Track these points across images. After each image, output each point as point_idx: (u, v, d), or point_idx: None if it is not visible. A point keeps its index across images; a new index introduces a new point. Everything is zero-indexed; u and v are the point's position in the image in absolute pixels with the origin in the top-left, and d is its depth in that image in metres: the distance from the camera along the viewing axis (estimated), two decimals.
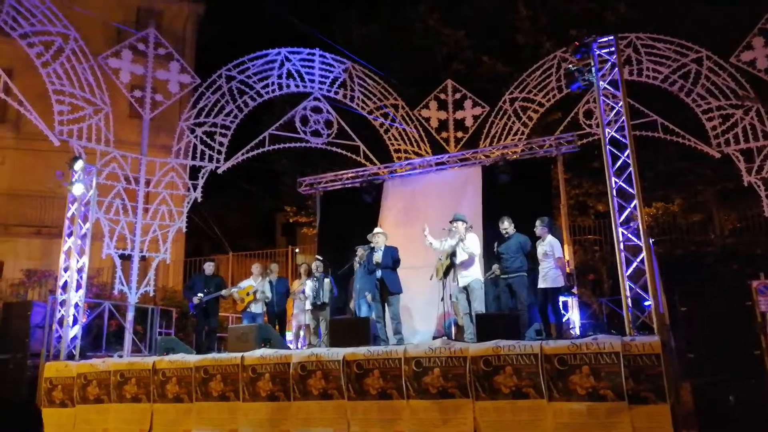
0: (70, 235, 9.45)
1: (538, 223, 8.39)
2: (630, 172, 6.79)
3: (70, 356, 8.82)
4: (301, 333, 10.11)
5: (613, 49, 7.32)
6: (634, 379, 5.50)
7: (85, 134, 10.30)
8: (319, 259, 9.93)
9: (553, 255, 8.14)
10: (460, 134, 12.12)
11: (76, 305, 9.13)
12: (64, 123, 10.12)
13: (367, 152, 12.22)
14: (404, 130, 12.42)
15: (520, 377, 5.97)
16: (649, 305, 6.23)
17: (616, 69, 7.24)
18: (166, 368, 7.59)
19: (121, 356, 9.10)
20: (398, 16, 17.52)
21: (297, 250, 16.63)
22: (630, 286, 6.46)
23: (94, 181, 9.79)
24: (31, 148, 17.16)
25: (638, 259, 6.48)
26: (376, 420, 6.48)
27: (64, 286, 9.21)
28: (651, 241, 6.94)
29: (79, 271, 9.28)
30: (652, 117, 10.57)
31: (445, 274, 8.19)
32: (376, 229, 9.11)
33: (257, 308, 9.72)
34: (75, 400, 8.12)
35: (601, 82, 7.27)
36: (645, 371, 5.49)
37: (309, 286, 9.60)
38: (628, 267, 6.54)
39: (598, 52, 7.36)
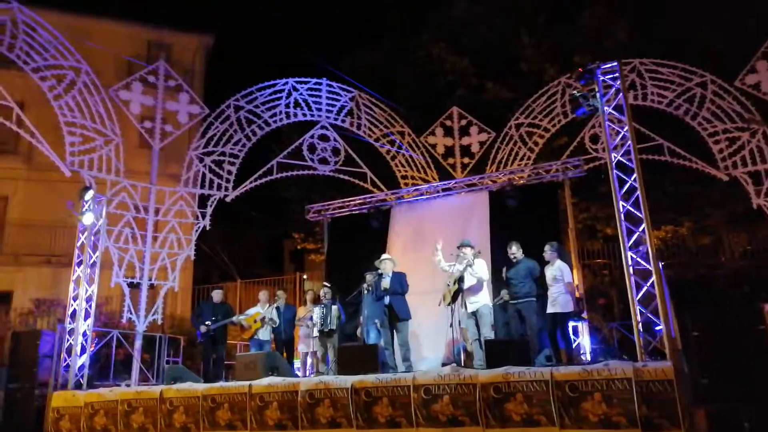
0: (79, 264, 9.51)
1: (547, 247, 8.37)
2: (638, 195, 6.79)
3: (78, 385, 8.80)
4: (308, 360, 10.04)
5: (617, 74, 7.39)
6: (647, 405, 5.41)
7: (96, 165, 10.44)
8: (327, 286, 9.91)
9: (563, 280, 8.09)
10: (466, 160, 12.17)
11: (85, 334, 9.15)
12: (75, 154, 10.26)
13: (374, 179, 12.28)
14: (411, 156, 12.50)
15: (531, 404, 5.90)
16: (661, 330, 6.16)
17: (621, 94, 7.30)
18: (174, 397, 7.56)
19: (128, 385, 9.05)
20: (403, 45, 17.78)
21: (305, 277, 16.63)
22: (641, 311, 6.41)
23: (104, 210, 9.89)
24: (42, 179, 17.35)
25: (648, 283, 6.44)
26: None
27: (73, 315, 9.23)
28: (660, 265, 6.89)
29: (88, 299, 9.31)
30: (658, 141, 10.58)
31: (453, 299, 8.15)
32: (384, 255, 9.11)
33: (265, 335, 9.69)
34: (82, 429, 8.07)
35: (606, 108, 7.32)
36: (658, 397, 5.41)
37: (316, 312, 9.56)
38: (638, 291, 6.49)
39: (602, 78, 7.43)
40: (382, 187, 12.22)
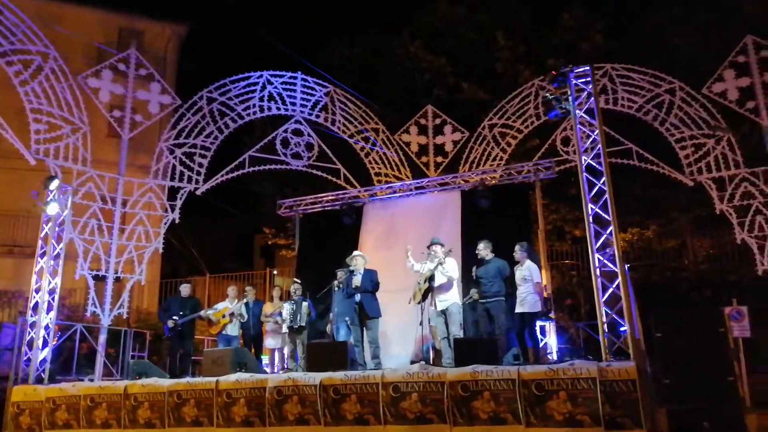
0: (43, 255, 9.28)
1: (517, 248, 8.46)
2: (606, 198, 6.90)
3: (39, 380, 8.59)
4: (276, 356, 9.98)
5: (589, 78, 7.49)
6: (611, 404, 5.52)
7: (62, 153, 10.17)
8: (297, 282, 9.86)
9: (532, 280, 8.19)
10: (439, 159, 12.22)
11: (47, 327, 8.94)
12: (41, 142, 9.99)
13: (348, 175, 12.25)
14: (385, 154, 12.49)
15: (497, 402, 5.96)
16: (625, 331, 6.28)
17: (592, 98, 7.40)
18: (138, 393, 7.43)
19: (92, 380, 8.88)
20: (380, 42, 17.76)
21: (275, 272, 16.50)
22: (606, 312, 6.52)
23: (69, 200, 9.65)
24: (6, 166, 16.86)
25: (614, 285, 6.56)
26: None
27: (35, 308, 9.01)
28: (626, 267, 7.03)
29: (51, 292, 9.09)
30: (627, 145, 10.78)
31: (423, 298, 8.18)
32: (356, 252, 9.10)
33: (233, 330, 9.60)
34: (43, 425, 7.88)
35: (577, 111, 7.42)
36: (621, 397, 5.51)
37: (286, 308, 9.49)
38: (604, 293, 6.60)
39: (574, 82, 7.53)
40: (356, 183, 12.19)
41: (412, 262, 8.38)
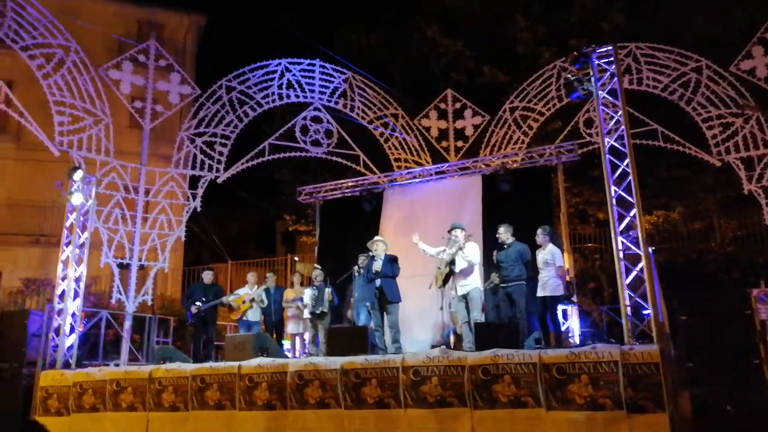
0: (68, 244, 9.45)
1: (539, 231, 8.35)
2: (629, 181, 6.77)
3: (66, 365, 8.78)
4: (298, 342, 10.06)
5: (612, 59, 7.33)
6: (633, 388, 5.44)
7: (85, 145, 10.33)
8: (318, 268, 9.89)
9: (554, 264, 8.09)
10: (460, 143, 12.12)
11: (73, 314, 9.12)
12: (64, 134, 10.15)
13: (367, 161, 12.22)
14: (404, 139, 12.43)
15: (518, 386, 5.92)
16: (649, 314, 6.18)
17: (615, 79, 7.24)
18: (163, 377, 7.55)
19: (117, 365, 9.04)
20: (397, 27, 17.61)
21: (296, 259, 16.60)
22: (629, 295, 6.42)
23: (93, 190, 9.79)
24: (31, 158, 17.23)
25: (637, 268, 6.44)
26: (373, 429, 6.43)
27: (62, 295, 9.19)
28: (650, 250, 6.90)
29: (77, 280, 9.26)
30: (652, 126, 10.56)
31: (444, 282, 8.15)
32: (377, 237, 9.09)
33: (254, 316, 9.69)
34: (70, 408, 8.07)
35: (600, 92, 7.27)
36: (644, 380, 5.43)
37: (308, 294, 9.54)
38: (627, 276, 6.50)
39: (597, 62, 7.37)
40: (375, 170, 12.16)
41: (423, 248, 8.34)
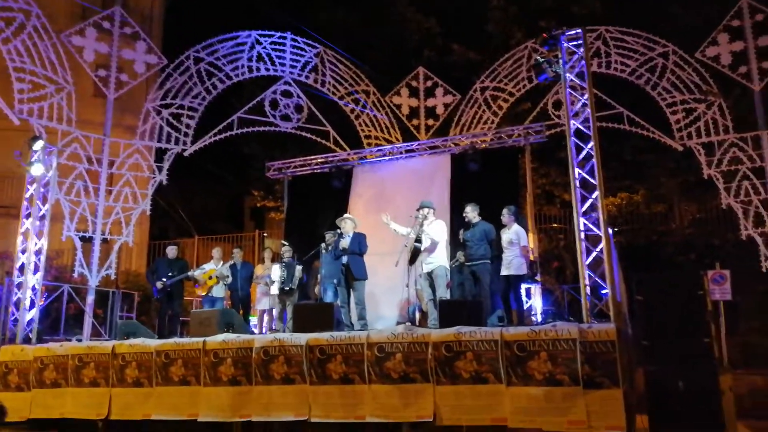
0: (28, 216, 9.23)
1: (505, 211, 8.46)
2: (593, 163, 6.88)
3: (27, 340, 8.65)
4: (265, 318, 10.06)
5: (580, 42, 7.38)
6: (590, 364, 5.62)
7: (46, 113, 10.03)
8: (285, 245, 9.87)
9: (519, 243, 8.22)
10: (430, 122, 12.13)
11: (34, 288, 8.95)
12: (25, 101, 9.84)
13: (338, 138, 12.15)
14: (375, 116, 12.38)
15: (480, 363, 6.05)
16: (607, 294, 6.36)
17: (583, 62, 7.31)
18: (126, 352, 7.49)
19: (80, 340, 8.93)
20: (370, 3, 17.39)
21: (265, 235, 16.51)
22: (589, 275, 6.59)
23: (54, 161, 9.55)
24: None
25: (598, 249, 6.60)
26: (338, 405, 6.51)
27: (21, 268, 9.00)
28: (611, 231, 7.07)
29: (37, 253, 9.07)
30: (618, 109, 10.73)
31: (412, 260, 8.22)
32: (346, 215, 9.09)
33: (218, 292, 9.65)
34: (31, 384, 7.96)
35: (567, 74, 7.32)
36: (600, 357, 5.61)
37: (276, 271, 9.52)
38: (587, 256, 6.65)
39: (566, 45, 7.41)
40: (345, 146, 12.10)
41: (394, 228, 8.39)
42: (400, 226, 8.41)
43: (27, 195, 9.31)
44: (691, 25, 12.78)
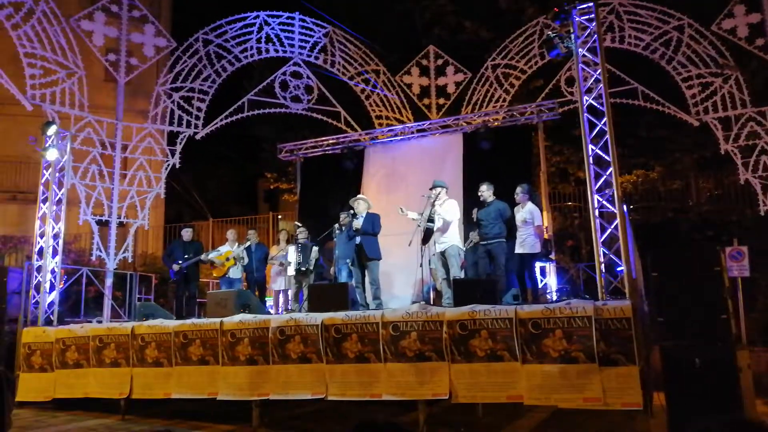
0: (45, 201, 9.34)
1: (518, 189, 8.44)
2: (607, 139, 6.81)
3: (48, 322, 8.81)
4: (281, 298, 10.16)
5: (593, 15, 7.24)
6: (605, 342, 5.61)
7: (58, 98, 10.09)
8: (299, 226, 9.92)
9: (533, 222, 8.21)
10: (441, 101, 12.05)
11: (53, 271, 9.09)
12: (36, 87, 9.89)
13: (348, 118, 12.12)
14: (385, 96, 12.31)
15: (495, 341, 6.06)
16: (622, 271, 6.33)
17: (596, 36, 7.19)
18: (145, 333, 7.61)
19: (100, 322, 9.09)
20: None
21: (279, 216, 16.58)
22: (604, 252, 6.56)
23: (68, 146, 9.62)
24: (3, 113, 16.75)
25: (612, 226, 6.56)
26: (354, 383, 6.57)
27: (40, 252, 9.13)
28: (626, 208, 7.01)
29: (55, 237, 9.19)
30: (633, 85, 10.57)
31: (425, 240, 8.23)
32: (359, 195, 9.12)
33: (235, 273, 9.75)
34: (54, 365, 8.13)
35: (580, 50, 7.21)
36: (616, 334, 5.59)
37: (292, 251, 9.59)
38: (602, 233, 6.62)
39: (578, 19, 7.29)
40: (356, 127, 12.07)
41: (412, 216, 8.32)
42: (416, 213, 8.34)
43: (43, 180, 9.42)
44: None
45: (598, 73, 7.03)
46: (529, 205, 8.32)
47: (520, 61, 11.48)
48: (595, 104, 6.97)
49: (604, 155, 6.76)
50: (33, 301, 8.94)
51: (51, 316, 8.91)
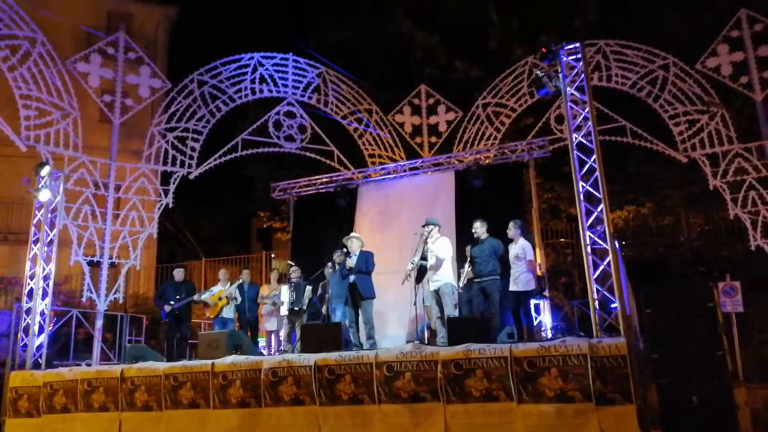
0: (36, 241, 9.28)
1: (511, 225, 8.45)
2: (597, 176, 6.89)
3: (36, 365, 8.64)
4: (273, 339, 10.04)
5: (580, 56, 7.42)
6: (602, 380, 5.56)
7: (52, 139, 10.12)
8: (291, 265, 9.87)
9: (525, 258, 8.20)
10: (433, 139, 12.18)
11: (42, 313, 8.97)
12: (31, 128, 9.94)
13: (342, 157, 12.21)
14: (378, 135, 12.44)
15: (490, 380, 6.00)
16: (616, 307, 6.32)
17: (583, 75, 7.34)
18: (135, 376, 7.48)
19: (89, 365, 8.92)
20: (372, 21, 17.56)
21: (272, 255, 16.52)
22: (597, 289, 6.55)
23: (61, 186, 9.62)
24: None
25: (605, 262, 6.58)
26: (347, 425, 6.46)
27: (30, 294, 9.03)
28: (618, 244, 7.04)
29: (45, 278, 9.10)
30: (621, 122, 10.75)
31: (418, 279, 8.20)
32: (352, 234, 9.12)
33: (229, 313, 9.65)
34: (41, 409, 7.95)
35: (568, 89, 7.35)
36: (612, 372, 5.56)
37: (285, 291, 9.52)
38: (595, 270, 6.62)
39: (565, 59, 7.46)
40: (349, 165, 12.16)
41: (419, 263, 8.26)
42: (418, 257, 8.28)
43: (35, 221, 9.38)
44: (687, 35, 12.84)
45: (586, 111, 7.16)
46: (521, 241, 8.33)
47: (510, 99, 11.68)
48: (585, 141, 7.07)
49: (594, 192, 6.83)
50: (21, 344, 8.80)
51: (39, 359, 8.75)
